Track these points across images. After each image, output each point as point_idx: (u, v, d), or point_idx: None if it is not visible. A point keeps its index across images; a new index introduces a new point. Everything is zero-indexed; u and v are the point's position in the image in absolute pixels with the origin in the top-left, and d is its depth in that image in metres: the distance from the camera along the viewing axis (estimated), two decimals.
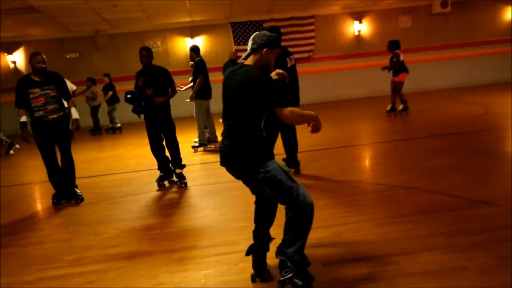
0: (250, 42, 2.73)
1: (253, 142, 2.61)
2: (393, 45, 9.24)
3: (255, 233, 2.89)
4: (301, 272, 2.54)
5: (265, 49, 2.66)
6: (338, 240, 3.33)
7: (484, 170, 4.89)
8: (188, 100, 7.21)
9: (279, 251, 2.65)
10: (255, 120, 2.59)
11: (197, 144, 7.60)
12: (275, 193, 2.62)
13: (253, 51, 2.70)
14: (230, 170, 2.80)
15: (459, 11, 13.76)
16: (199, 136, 7.59)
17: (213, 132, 7.75)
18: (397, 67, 9.08)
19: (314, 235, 3.44)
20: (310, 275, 2.57)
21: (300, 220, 2.54)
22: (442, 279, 2.62)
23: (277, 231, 2.81)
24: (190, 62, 7.62)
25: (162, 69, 5.34)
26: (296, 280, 2.52)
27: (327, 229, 3.54)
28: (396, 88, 9.26)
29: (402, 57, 9.12)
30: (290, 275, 2.54)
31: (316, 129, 2.69)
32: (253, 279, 2.80)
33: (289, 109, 2.58)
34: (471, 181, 4.48)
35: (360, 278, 2.72)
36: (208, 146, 7.72)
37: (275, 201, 2.79)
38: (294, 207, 2.53)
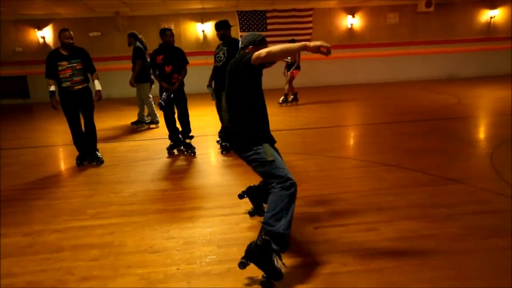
0: (240, 42, 2.70)
1: (243, 127, 2.56)
2: None
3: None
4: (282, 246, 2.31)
5: (250, 47, 2.62)
6: (327, 207, 3.34)
7: (455, 152, 4.88)
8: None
9: (261, 230, 2.34)
10: (244, 103, 2.54)
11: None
12: (265, 174, 2.52)
13: (241, 49, 2.67)
14: (235, 152, 2.75)
15: (442, 11, 13.52)
16: (139, 116, 7.47)
17: (152, 112, 7.43)
18: (296, 65, 9.23)
19: (306, 201, 3.47)
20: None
21: (288, 200, 2.37)
22: (416, 244, 2.65)
23: None
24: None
25: (179, 49, 5.25)
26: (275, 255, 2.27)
27: (317, 198, 3.55)
28: (290, 81, 9.41)
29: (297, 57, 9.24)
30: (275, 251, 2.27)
31: (325, 51, 2.30)
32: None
33: (265, 49, 2.35)
34: (444, 162, 4.48)
35: (346, 241, 2.74)
36: (151, 125, 7.49)
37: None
38: (283, 187, 2.39)
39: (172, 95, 5.11)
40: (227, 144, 5.36)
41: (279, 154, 2.69)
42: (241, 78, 2.51)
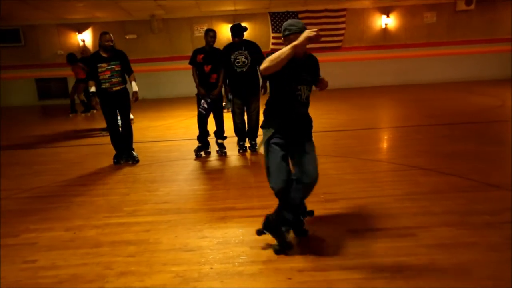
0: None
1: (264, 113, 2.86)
2: None
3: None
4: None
5: (282, 38, 2.69)
6: (361, 211, 3.29)
7: (497, 157, 4.68)
8: None
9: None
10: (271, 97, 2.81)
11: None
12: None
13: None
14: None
15: (483, 9, 12.95)
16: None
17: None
18: None
19: (339, 204, 3.44)
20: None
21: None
22: (454, 252, 2.56)
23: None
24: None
25: (219, 50, 5.30)
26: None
27: (351, 200, 3.51)
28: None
29: None
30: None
31: (313, 39, 2.36)
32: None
33: (265, 60, 2.49)
34: (484, 167, 4.30)
35: (381, 246, 2.69)
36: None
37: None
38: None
39: (210, 101, 5.19)
40: (255, 142, 5.48)
41: (302, 153, 2.79)
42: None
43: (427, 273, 2.35)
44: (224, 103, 7.22)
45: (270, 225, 2.68)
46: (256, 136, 5.52)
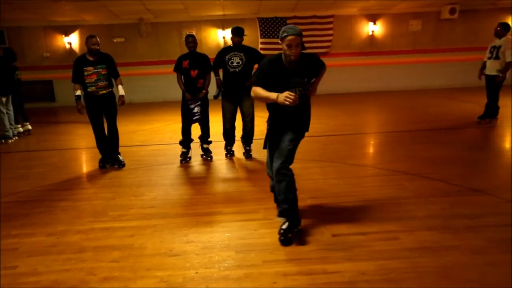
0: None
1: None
2: None
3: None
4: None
5: (280, 42, 2.88)
6: (346, 215, 3.31)
7: (479, 162, 4.77)
8: None
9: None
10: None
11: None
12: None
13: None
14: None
15: (466, 18, 13.26)
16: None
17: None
18: None
19: (325, 209, 3.46)
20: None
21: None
22: (437, 255, 2.61)
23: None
24: None
25: (204, 55, 5.32)
26: None
27: (336, 205, 3.54)
28: None
29: None
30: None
31: (289, 103, 2.66)
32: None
33: (253, 89, 2.91)
34: (467, 172, 4.39)
35: (365, 250, 2.72)
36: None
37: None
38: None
39: (200, 104, 5.19)
40: (250, 148, 5.48)
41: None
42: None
43: (409, 276, 2.38)
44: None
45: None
46: (251, 142, 5.50)
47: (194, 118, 5.25)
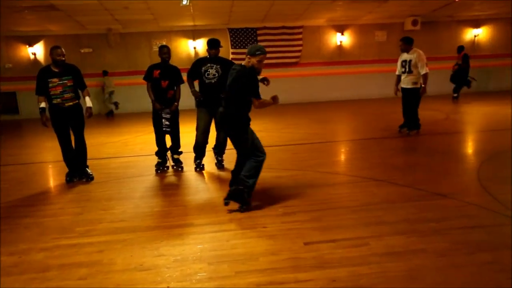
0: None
1: (241, 114, 3.71)
2: None
3: (233, 177, 3.90)
4: (249, 193, 3.69)
5: (248, 56, 3.65)
6: (318, 223, 3.35)
7: (443, 167, 4.96)
8: None
9: (239, 181, 3.67)
10: (243, 101, 3.68)
11: None
12: (248, 148, 3.71)
13: (246, 56, 3.70)
14: (224, 129, 4.10)
15: (427, 30, 13.91)
16: None
17: None
18: None
19: (297, 217, 3.48)
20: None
21: (259, 167, 3.73)
22: (405, 259, 2.67)
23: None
24: None
25: (175, 67, 5.30)
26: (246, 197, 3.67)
27: (308, 213, 3.56)
28: None
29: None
30: (246, 194, 3.65)
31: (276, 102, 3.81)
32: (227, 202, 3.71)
33: (258, 101, 3.67)
34: (432, 177, 4.54)
35: (336, 257, 2.75)
36: None
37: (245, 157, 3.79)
38: (257, 160, 3.71)
39: (169, 116, 5.16)
40: (222, 159, 5.46)
41: None
42: (245, 87, 3.67)
43: (379, 281, 2.43)
44: None
45: (234, 195, 3.66)
46: (224, 152, 5.47)
47: (163, 129, 5.21)
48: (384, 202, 3.78)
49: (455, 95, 12.06)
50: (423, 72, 6.54)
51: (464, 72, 11.75)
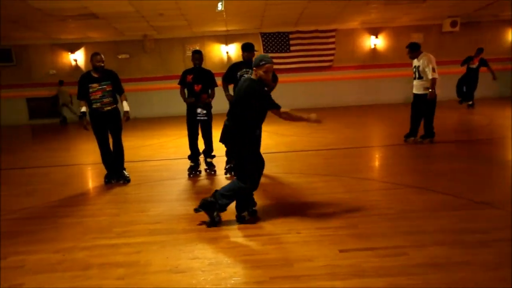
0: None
1: (244, 129, 3.43)
2: None
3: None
4: (219, 211, 3.52)
5: (254, 68, 3.41)
6: (354, 230, 3.27)
7: (488, 175, 4.73)
8: None
9: (214, 195, 3.49)
10: (248, 117, 3.41)
11: None
12: (244, 168, 3.48)
13: (253, 69, 3.45)
14: (225, 143, 3.65)
15: (468, 31, 13.35)
16: None
17: None
18: None
19: (332, 223, 3.42)
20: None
21: (238, 193, 3.49)
22: (448, 271, 2.55)
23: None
24: None
25: (209, 71, 5.38)
26: (216, 213, 3.51)
27: (344, 219, 3.49)
28: None
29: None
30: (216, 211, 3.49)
31: (316, 122, 3.50)
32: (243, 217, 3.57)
33: (283, 110, 3.40)
34: (476, 185, 4.34)
35: (373, 266, 2.67)
36: None
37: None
38: (241, 186, 3.45)
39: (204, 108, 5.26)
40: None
41: None
42: (255, 106, 3.41)
43: None
44: None
45: (206, 207, 3.49)
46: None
47: (198, 117, 5.27)
48: (423, 210, 3.64)
49: (470, 102, 11.44)
50: (430, 76, 6.29)
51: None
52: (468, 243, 2.93)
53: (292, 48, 13.47)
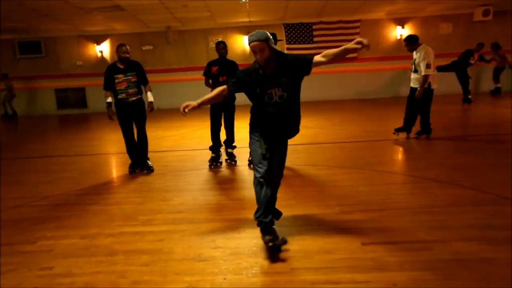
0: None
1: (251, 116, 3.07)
2: None
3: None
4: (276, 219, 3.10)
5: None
6: (376, 224, 3.24)
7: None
8: None
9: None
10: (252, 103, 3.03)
11: None
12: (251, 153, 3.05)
13: None
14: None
15: (501, 20, 12.78)
16: None
17: None
18: None
19: (354, 216, 3.40)
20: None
21: (255, 186, 2.98)
22: (473, 267, 2.50)
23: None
24: None
25: (233, 62, 5.40)
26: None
27: (366, 213, 3.46)
28: None
29: None
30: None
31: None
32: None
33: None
34: (505, 180, 4.19)
35: (396, 260, 2.64)
36: None
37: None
38: (254, 176, 2.97)
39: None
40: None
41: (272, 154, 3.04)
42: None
43: None
44: None
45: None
46: None
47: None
48: (447, 205, 3.57)
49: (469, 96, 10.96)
50: (423, 73, 6.00)
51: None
52: (495, 239, 2.85)
53: (315, 39, 13.29)
